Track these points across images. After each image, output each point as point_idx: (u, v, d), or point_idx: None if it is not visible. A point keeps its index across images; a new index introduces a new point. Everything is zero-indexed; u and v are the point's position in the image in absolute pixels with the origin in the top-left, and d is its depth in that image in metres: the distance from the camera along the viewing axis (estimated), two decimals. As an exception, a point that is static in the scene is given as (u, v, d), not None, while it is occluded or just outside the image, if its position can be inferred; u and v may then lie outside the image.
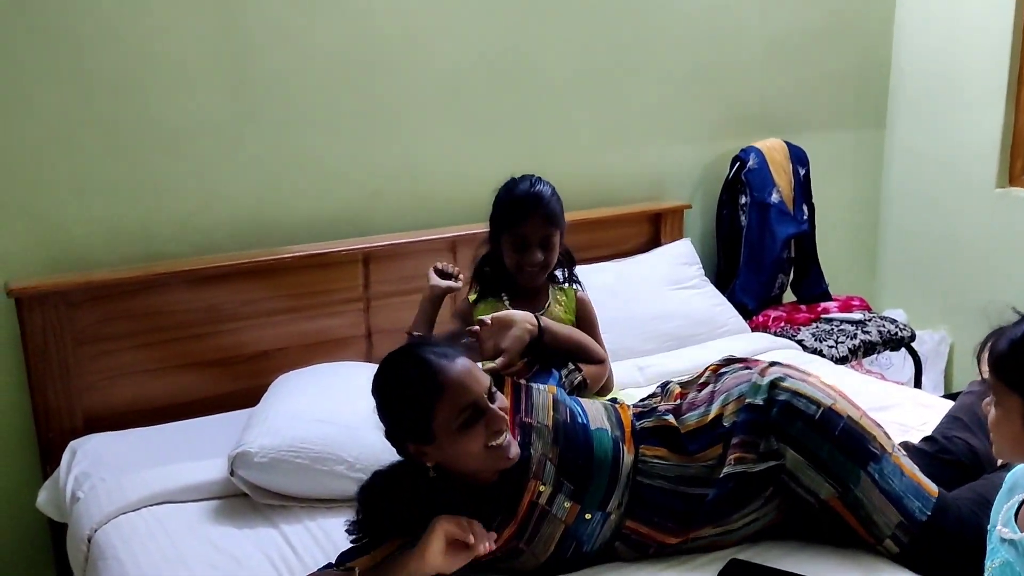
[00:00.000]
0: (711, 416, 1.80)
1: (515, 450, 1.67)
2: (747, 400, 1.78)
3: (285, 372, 2.43)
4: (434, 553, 1.53)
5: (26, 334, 2.32)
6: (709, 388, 1.87)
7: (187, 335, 2.53)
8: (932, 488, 1.72)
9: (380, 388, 1.68)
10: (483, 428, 1.61)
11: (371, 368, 2.50)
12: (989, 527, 1.39)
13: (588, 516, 1.71)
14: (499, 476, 1.69)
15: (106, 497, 2.04)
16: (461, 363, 1.64)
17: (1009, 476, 1.41)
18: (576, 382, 2.07)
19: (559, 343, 2.08)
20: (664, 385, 2.02)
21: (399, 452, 1.70)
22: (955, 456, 1.92)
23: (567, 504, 1.70)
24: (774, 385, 1.78)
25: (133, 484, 2.06)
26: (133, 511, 1.99)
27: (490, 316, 2.00)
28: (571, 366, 2.08)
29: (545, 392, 1.84)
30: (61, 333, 2.35)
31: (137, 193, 2.50)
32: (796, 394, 1.76)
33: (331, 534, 1.87)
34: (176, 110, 2.52)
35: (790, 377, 1.80)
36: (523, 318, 2.02)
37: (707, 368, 1.95)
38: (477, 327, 1.96)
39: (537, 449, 1.73)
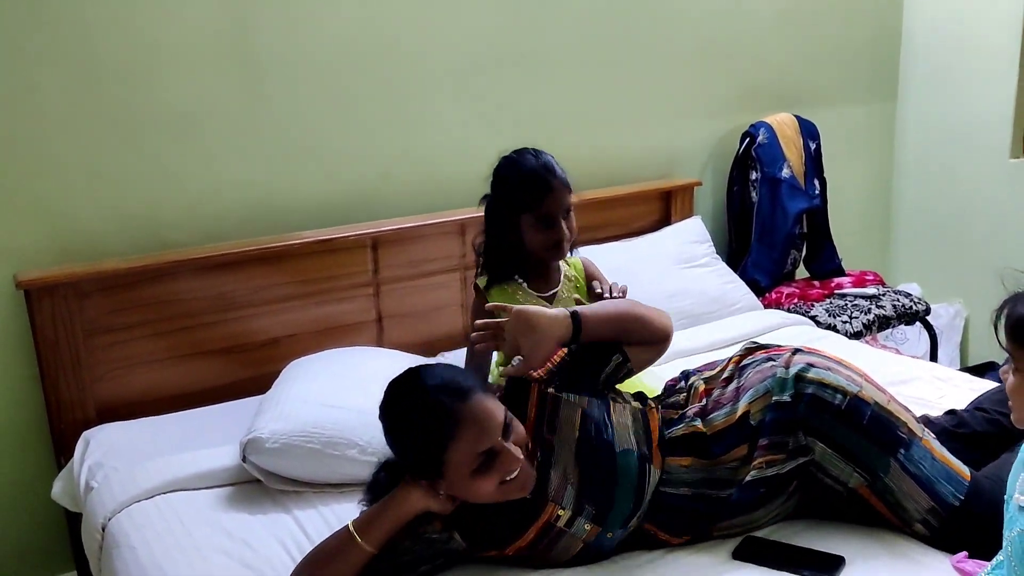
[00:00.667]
0: (738, 415, 1.75)
1: (531, 484, 1.61)
2: (774, 398, 1.74)
3: (296, 359, 2.42)
4: (415, 496, 1.57)
5: (36, 326, 2.32)
6: (734, 384, 1.82)
7: (198, 323, 2.52)
8: (964, 471, 1.68)
9: (388, 420, 1.60)
10: (496, 470, 1.55)
11: (382, 353, 2.53)
12: (1006, 496, 1.37)
13: (610, 535, 1.68)
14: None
15: (119, 486, 2.04)
16: (477, 403, 1.54)
17: None
18: (621, 374, 1.88)
19: (604, 330, 1.83)
20: (686, 377, 1.96)
21: (417, 484, 1.60)
22: (971, 428, 1.90)
23: (587, 527, 1.66)
24: (799, 378, 1.74)
25: (146, 473, 2.06)
26: (147, 499, 1.99)
27: (513, 309, 1.80)
28: (616, 358, 1.85)
29: (575, 404, 1.72)
30: (71, 324, 2.35)
31: (146, 181, 2.49)
32: (822, 385, 1.73)
33: (344, 519, 1.84)
34: (184, 97, 2.50)
35: (814, 367, 1.76)
36: (551, 322, 1.78)
37: (729, 360, 1.89)
38: (497, 317, 1.82)
39: (558, 470, 1.67)
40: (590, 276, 2.26)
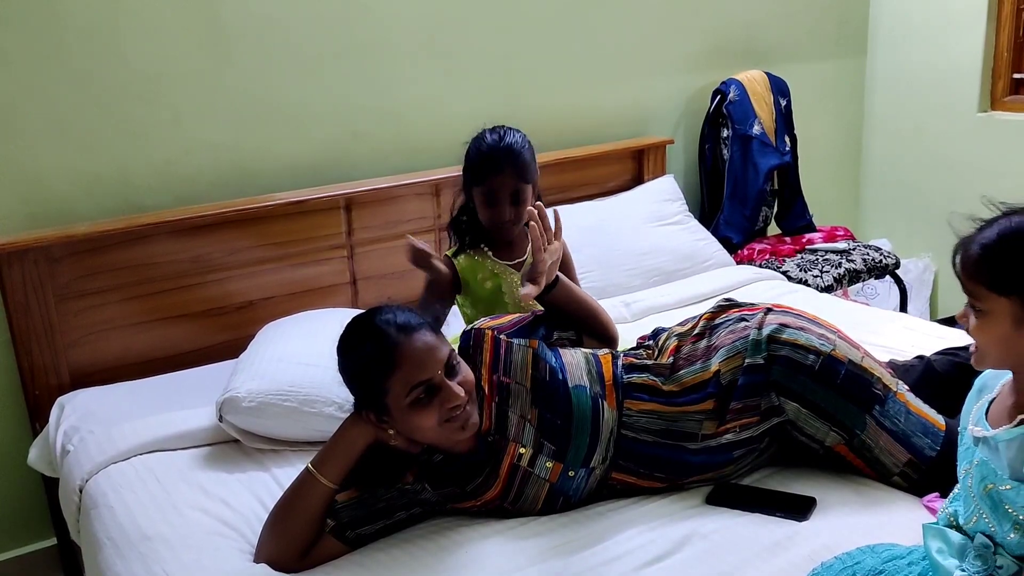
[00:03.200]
0: (709, 373, 1.76)
1: (473, 421, 1.64)
2: (746, 360, 1.74)
3: (271, 321, 2.42)
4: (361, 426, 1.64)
5: (6, 291, 2.30)
6: (704, 342, 1.82)
7: (172, 287, 2.51)
8: (939, 421, 1.70)
9: (339, 353, 1.64)
10: (437, 406, 1.58)
11: (356, 314, 2.53)
12: (960, 429, 1.40)
13: (572, 474, 1.70)
14: (476, 441, 1.68)
15: (96, 448, 2.04)
16: (419, 337, 1.59)
17: (978, 380, 1.42)
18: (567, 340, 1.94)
19: (571, 303, 1.95)
20: (656, 334, 1.95)
21: (361, 416, 1.65)
22: (937, 373, 1.93)
23: (549, 464, 1.69)
24: (772, 339, 1.74)
25: (122, 434, 2.06)
26: (123, 460, 1.99)
27: (556, 224, 1.94)
28: (571, 335, 1.93)
29: (526, 348, 1.78)
30: (43, 289, 2.33)
31: (115, 143, 2.47)
32: (795, 346, 1.72)
33: (323, 474, 1.88)
34: (151, 57, 2.47)
35: (787, 327, 1.75)
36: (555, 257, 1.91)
37: (701, 316, 1.89)
38: (539, 223, 1.88)
39: (516, 411, 1.71)
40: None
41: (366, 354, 1.59)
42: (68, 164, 2.42)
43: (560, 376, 1.74)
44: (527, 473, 1.69)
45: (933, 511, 1.58)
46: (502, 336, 1.80)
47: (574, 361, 1.80)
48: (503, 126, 2.17)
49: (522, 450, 1.69)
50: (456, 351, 1.67)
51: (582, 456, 1.70)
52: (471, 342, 1.80)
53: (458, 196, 2.24)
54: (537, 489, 1.69)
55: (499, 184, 2.09)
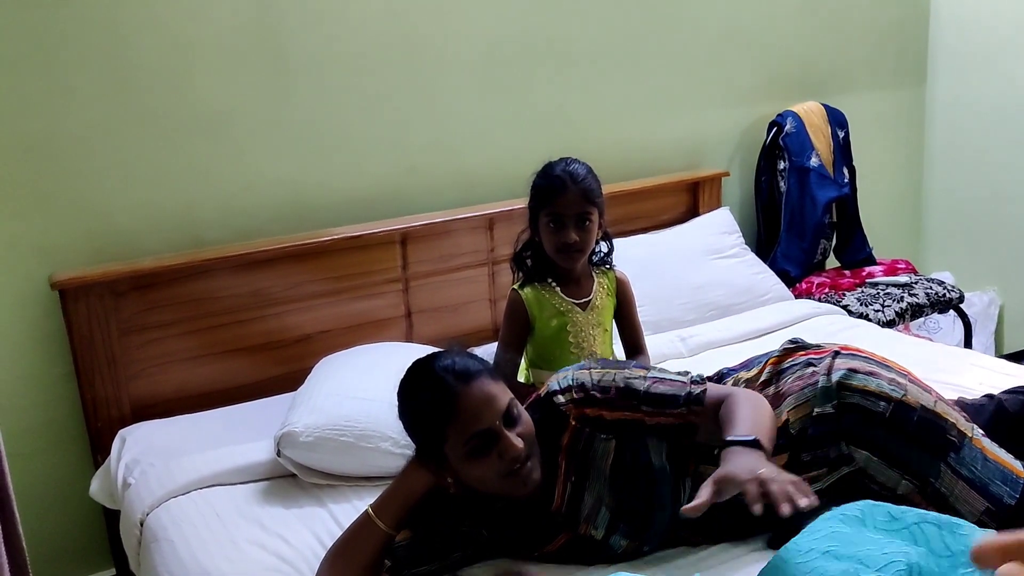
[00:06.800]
0: (779, 422, 1.68)
1: (535, 477, 1.58)
2: (815, 409, 1.68)
3: (328, 355, 2.44)
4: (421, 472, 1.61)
5: (71, 325, 2.35)
6: (772, 389, 1.76)
7: (231, 320, 2.54)
8: (1019, 469, 1.62)
9: (399, 399, 1.62)
10: (495, 456, 1.54)
11: (413, 348, 2.54)
12: None
13: (647, 549, 1.67)
14: (539, 493, 1.63)
15: (156, 482, 2.06)
16: (479, 385, 1.54)
17: None
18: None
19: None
20: (721, 378, 1.88)
21: (421, 462, 1.63)
22: (1009, 413, 1.87)
23: (624, 542, 1.65)
24: (841, 386, 1.67)
25: (182, 468, 2.09)
26: (183, 494, 2.01)
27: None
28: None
29: (609, 440, 1.66)
30: (106, 323, 2.38)
31: (179, 180, 2.52)
32: (865, 393, 1.66)
33: (379, 511, 1.87)
34: (214, 95, 2.52)
35: (857, 373, 1.69)
36: (746, 466, 1.45)
37: (767, 362, 1.83)
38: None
39: (592, 493, 1.65)
40: (622, 297, 2.29)
41: (423, 403, 1.56)
42: (133, 199, 2.47)
43: (642, 458, 1.65)
44: (597, 544, 1.65)
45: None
46: (586, 429, 1.65)
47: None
48: (569, 157, 2.20)
49: (593, 531, 1.65)
50: (515, 400, 1.61)
51: (660, 533, 1.67)
52: (551, 420, 1.68)
53: (523, 233, 2.25)
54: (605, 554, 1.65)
55: (565, 205, 2.10)
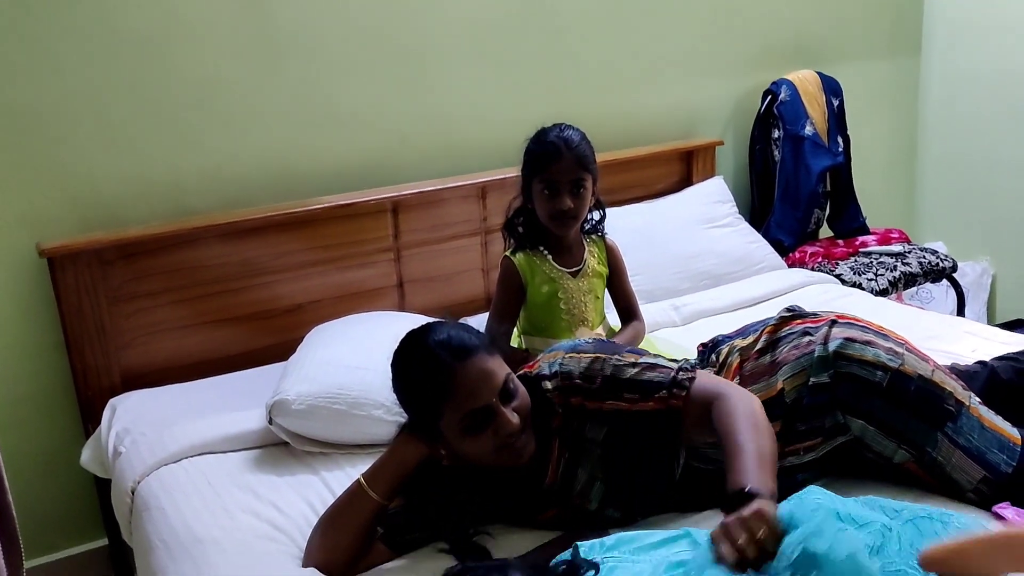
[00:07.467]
0: (775, 390, 1.68)
1: (529, 450, 1.57)
2: (811, 379, 1.66)
3: (319, 324, 2.42)
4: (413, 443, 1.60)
5: (60, 294, 2.33)
6: (768, 357, 1.74)
7: (221, 290, 2.52)
8: (1015, 436, 1.61)
9: (393, 372, 1.60)
10: (491, 433, 1.53)
11: (405, 317, 2.52)
12: None
13: (638, 519, 1.66)
14: (532, 463, 1.62)
15: (147, 450, 2.05)
16: (475, 362, 1.52)
17: None
18: None
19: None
20: (716, 345, 1.87)
21: (414, 434, 1.62)
22: (1003, 380, 1.86)
23: (616, 514, 1.65)
24: (839, 355, 1.66)
25: (173, 437, 2.07)
26: (174, 462, 2.00)
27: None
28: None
29: (602, 423, 1.64)
30: (95, 292, 2.35)
31: (165, 148, 2.49)
32: (862, 363, 1.64)
33: (371, 479, 1.87)
34: (201, 64, 2.49)
35: (854, 342, 1.67)
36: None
37: (763, 330, 1.81)
38: None
39: (586, 469, 1.64)
40: (613, 264, 2.28)
41: (418, 379, 1.55)
42: (120, 168, 2.44)
43: (636, 436, 1.63)
44: (589, 514, 1.65)
45: (1003, 519, 1.52)
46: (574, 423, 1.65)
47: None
48: (562, 123, 2.18)
49: (587, 504, 1.64)
50: (512, 375, 1.58)
51: (653, 504, 1.66)
52: (541, 406, 1.65)
53: (514, 200, 2.23)
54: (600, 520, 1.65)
55: (560, 172, 2.08)
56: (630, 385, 1.61)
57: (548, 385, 1.65)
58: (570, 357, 1.67)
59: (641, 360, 1.65)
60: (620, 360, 1.64)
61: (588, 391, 1.62)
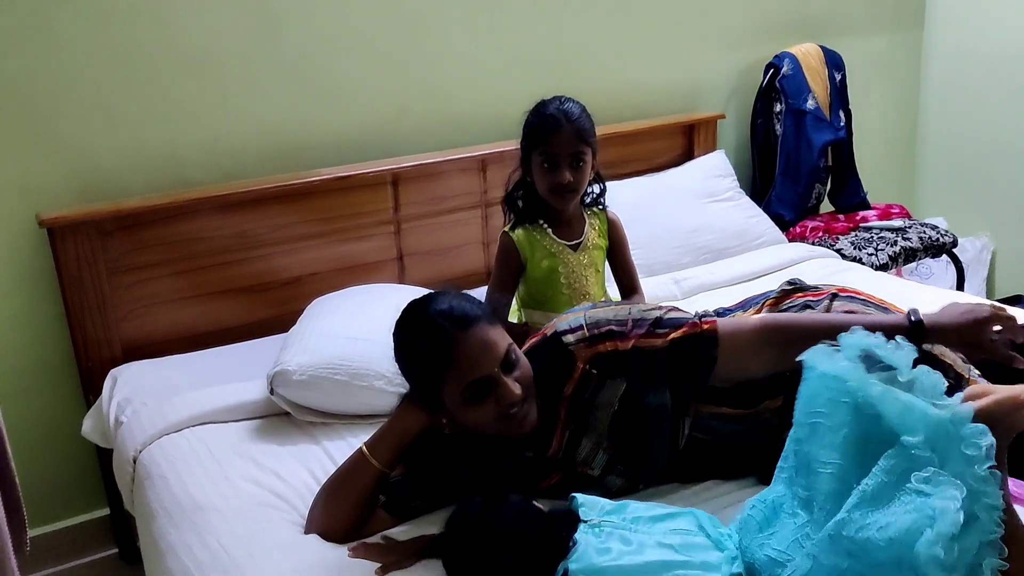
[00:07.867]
0: None
1: (531, 419, 1.57)
2: None
3: (318, 297, 2.42)
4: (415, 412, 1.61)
5: (60, 264, 2.32)
6: None
7: (220, 262, 2.52)
8: None
9: (395, 342, 1.60)
10: (493, 402, 1.52)
11: (405, 289, 2.52)
12: None
13: (641, 486, 1.67)
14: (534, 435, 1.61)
15: (148, 420, 2.05)
16: (476, 333, 1.51)
17: None
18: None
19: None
20: (719, 316, 1.85)
21: (416, 403, 1.62)
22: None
23: (619, 481, 1.65)
24: None
25: (174, 407, 2.08)
26: (176, 432, 2.01)
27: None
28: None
29: (617, 386, 1.61)
30: (95, 262, 2.35)
31: (163, 119, 2.47)
32: None
33: (372, 448, 1.87)
34: (197, 34, 2.47)
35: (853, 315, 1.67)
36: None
37: (765, 302, 1.82)
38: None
39: (591, 439, 1.63)
40: (614, 237, 2.27)
41: (420, 348, 1.54)
42: (117, 139, 2.43)
43: (645, 400, 1.62)
44: (592, 480, 1.65)
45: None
46: (594, 371, 1.61)
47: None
48: (562, 95, 2.16)
49: (590, 471, 1.65)
50: (514, 344, 1.58)
51: (656, 472, 1.67)
52: (559, 359, 1.64)
53: (514, 173, 2.22)
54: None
55: (559, 144, 2.07)
56: (659, 322, 1.62)
57: (571, 338, 1.62)
58: (596, 310, 1.67)
59: (663, 306, 1.69)
60: (645, 307, 1.68)
61: (621, 334, 1.61)
